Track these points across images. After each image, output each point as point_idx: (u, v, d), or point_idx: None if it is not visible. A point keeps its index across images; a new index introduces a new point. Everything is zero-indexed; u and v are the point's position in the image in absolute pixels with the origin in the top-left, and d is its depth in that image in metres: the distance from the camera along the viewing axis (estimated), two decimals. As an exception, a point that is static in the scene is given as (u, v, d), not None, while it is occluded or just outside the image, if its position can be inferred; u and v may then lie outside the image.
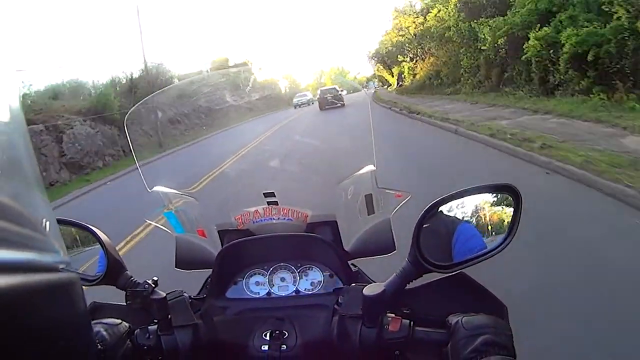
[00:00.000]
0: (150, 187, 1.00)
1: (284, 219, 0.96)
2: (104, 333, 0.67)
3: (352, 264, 0.93)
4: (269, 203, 0.96)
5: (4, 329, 0.24)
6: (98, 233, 0.81)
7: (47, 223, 0.33)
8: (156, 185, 1.01)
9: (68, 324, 0.31)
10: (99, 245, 0.81)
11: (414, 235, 0.66)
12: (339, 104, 8.11)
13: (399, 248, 0.88)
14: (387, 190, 0.94)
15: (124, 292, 0.79)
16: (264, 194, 0.97)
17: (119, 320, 0.71)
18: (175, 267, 0.97)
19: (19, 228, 0.29)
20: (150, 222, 1.06)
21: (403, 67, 29.67)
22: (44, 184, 0.35)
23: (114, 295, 0.82)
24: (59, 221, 0.82)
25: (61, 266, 0.32)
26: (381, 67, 40.60)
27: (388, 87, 38.47)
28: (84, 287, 0.79)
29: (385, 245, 0.89)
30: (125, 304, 0.78)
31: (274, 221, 0.96)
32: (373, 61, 38.38)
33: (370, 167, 0.97)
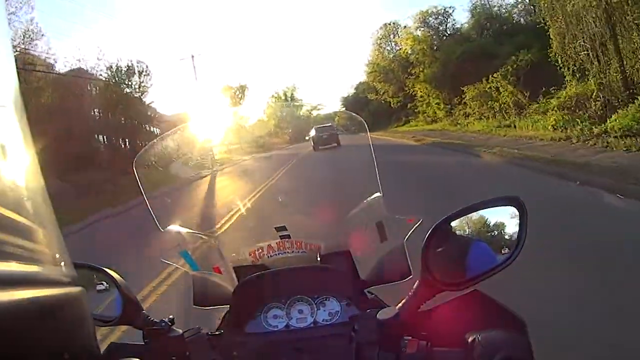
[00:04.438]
0: (163, 226, 1.02)
1: (298, 252, 0.97)
2: None
3: (369, 292, 0.92)
4: (281, 237, 0.98)
5: (10, 342, 0.24)
6: (113, 275, 0.82)
7: (53, 237, 0.33)
8: (169, 224, 1.02)
9: (73, 336, 0.31)
10: (115, 287, 0.81)
11: (422, 255, 0.66)
12: (334, 144, 7.75)
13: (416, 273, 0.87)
14: (397, 217, 0.94)
15: (142, 332, 0.80)
16: (275, 228, 0.98)
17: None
18: (193, 304, 0.97)
19: (25, 242, 0.29)
20: (167, 262, 1.06)
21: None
22: (49, 196, 0.34)
23: (132, 336, 0.82)
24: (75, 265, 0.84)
25: (67, 280, 0.32)
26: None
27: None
28: (101, 327, 0.80)
29: (401, 271, 0.88)
30: (143, 342, 0.79)
31: (288, 254, 0.97)
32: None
33: (377, 195, 0.98)
